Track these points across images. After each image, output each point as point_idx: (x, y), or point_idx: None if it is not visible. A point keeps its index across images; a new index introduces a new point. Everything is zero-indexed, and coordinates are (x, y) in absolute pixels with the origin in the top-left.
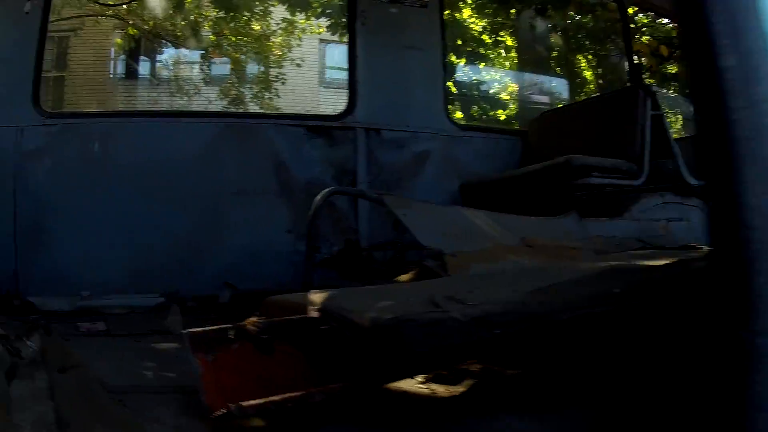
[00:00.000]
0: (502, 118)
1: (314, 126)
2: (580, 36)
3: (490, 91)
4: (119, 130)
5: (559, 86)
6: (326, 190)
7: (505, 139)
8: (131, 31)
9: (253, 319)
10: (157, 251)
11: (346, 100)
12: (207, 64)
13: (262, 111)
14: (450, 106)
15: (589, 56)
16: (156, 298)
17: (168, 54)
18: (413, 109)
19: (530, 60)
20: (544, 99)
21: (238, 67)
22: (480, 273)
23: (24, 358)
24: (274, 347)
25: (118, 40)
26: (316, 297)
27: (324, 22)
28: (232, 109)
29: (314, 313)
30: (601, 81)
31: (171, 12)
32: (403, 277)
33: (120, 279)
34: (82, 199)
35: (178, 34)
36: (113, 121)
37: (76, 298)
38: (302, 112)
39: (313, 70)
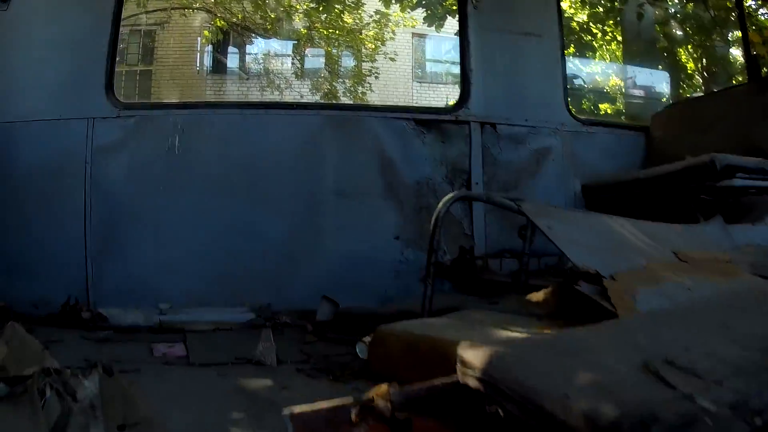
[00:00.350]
0: (609, 111)
1: (424, 120)
2: (687, 26)
3: (598, 84)
4: (203, 122)
5: (661, 79)
6: (451, 195)
7: (628, 134)
8: (219, 23)
9: (383, 388)
10: (246, 259)
11: (459, 91)
12: (299, 57)
13: (367, 104)
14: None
15: (692, 48)
16: (245, 313)
17: (258, 47)
18: (531, 101)
19: (636, 51)
20: (651, 92)
21: (330, 61)
22: (657, 308)
23: (79, 401)
24: (412, 428)
25: (206, 33)
26: (471, 353)
27: (420, 13)
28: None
29: (473, 382)
30: (705, 74)
31: (260, 3)
32: (536, 296)
33: (203, 290)
34: (161, 199)
35: (268, 26)
36: (196, 112)
37: (154, 312)
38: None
39: (406, 64)
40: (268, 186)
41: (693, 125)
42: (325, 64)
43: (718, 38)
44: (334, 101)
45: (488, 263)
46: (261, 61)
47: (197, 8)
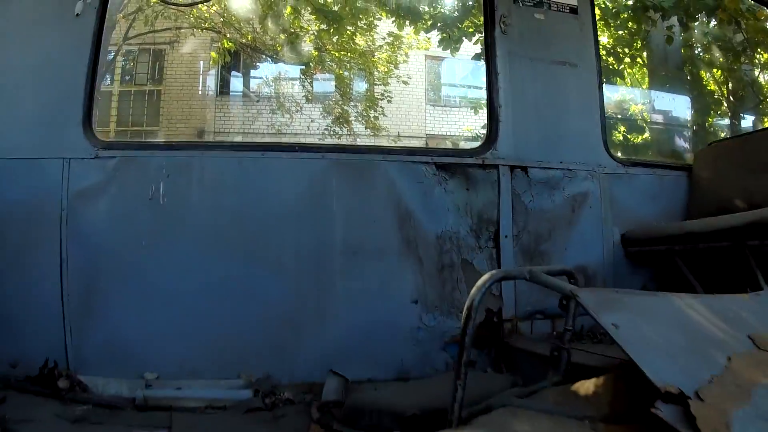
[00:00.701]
0: (637, 141)
1: (446, 163)
2: (714, 49)
3: (626, 113)
4: (194, 165)
5: (685, 104)
6: (490, 274)
7: (670, 175)
8: (226, 44)
9: None
10: (243, 324)
11: (486, 130)
12: (309, 80)
13: (379, 145)
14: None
15: (718, 71)
16: (241, 389)
17: (267, 69)
18: (567, 140)
19: (662, 76)
20: (676, 119)
21: (341, 84)
22: None
23: None
24: None
25: (213, 54)
26: None
27: (435, 35)
28: (336, 130)
29: None
30: (731, 98)
31: (269, 24)
32: (585, 388)
33: (194, 358)
34: (146, 254)
35: (278, 48)
36: (184, 154)
37: (139, 383)
38: (425, 146)
39: (419, 88)
40: (267, 241)
41: (744, 165)
42: (337, 87)
43: (746, 61)
44: (345, 126)
45: (518, 326)
46: (271, 83)
47: (206, 28)
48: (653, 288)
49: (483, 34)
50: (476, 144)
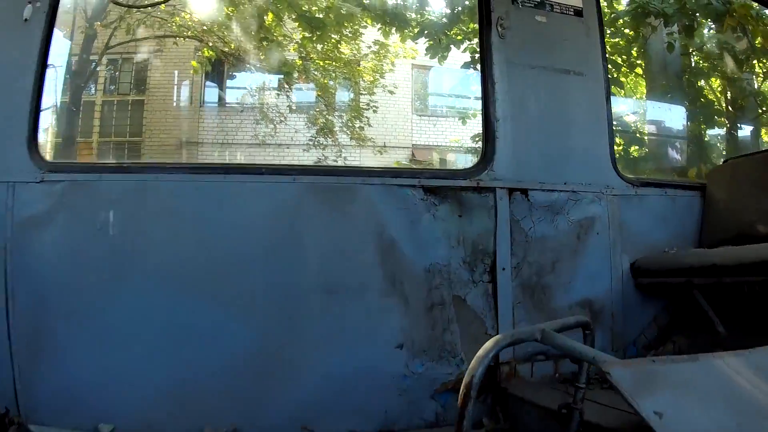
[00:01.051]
0: (635, 154)
1: (436, 187)
2: (717, 56)
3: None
4: (148, 190)
5: (681, 114)
6: (495, 341)
7: (683, 195)
8: (207, 53)
9: None
10: (208, 372)
11: (481, 148)
12: (291, 89)
13: (359, 166)
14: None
15: (716, 81)
16: None
17: (251, 79)
18: (572, 158)
19: (661, 85)
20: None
21: (326, 94)
22: None
23: None
24: None
25: (194, 63)
26: None
27: (423, 42)
28: (321, 140)
29: None
30: (731, 108)
31: (252, 32)
32: None
33: (153, 409)
34: (100, 290)
35: (261, 57)
36: (139, 177)
37: None
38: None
39: (406, 97)
40: (231, 278)
41: (764, 185)
42: (320, 97)
43: (748, 70)
44: (329, 137)
45: (517, 369)
46: (254, 93)
47: (188, 37)
48: (665, 321)
49: (477, 40)
50: (466, 156)
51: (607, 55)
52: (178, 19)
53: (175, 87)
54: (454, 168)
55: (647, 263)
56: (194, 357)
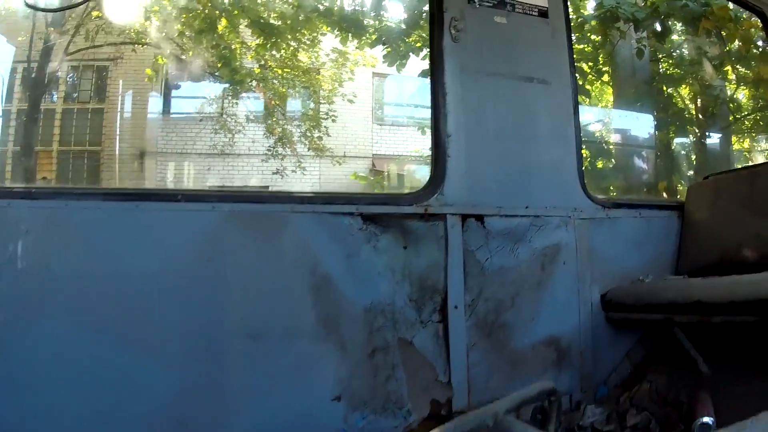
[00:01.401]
0: (599, 166)
1: (377, 215)
2: (687, 62)
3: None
4: (61, 219)
5: (649, 122)
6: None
7: (659, 215)
8: (161, 60)
9: None
10: (122, 423)
11: (430, 169)
12: (249, 98)
13: (287, 191)
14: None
15: (686, 88)
16: None
17: (209, 87)
18: (536, 178)
19: (629, 93)
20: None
21: (284, 103)
22: None
23: None
24: None
25: (149, 71)
26: None
27: (381, 51)
28: (280, 151)
29: None
30: (701, 116)
31: (205, 39)
32: None
33: None
34: (4, 330)
35: (219, 65)
36: (47, 204)
37: None
38: (357, 191)
39: (366, 106)
40: (145, 318)
41: (754, 206)
42: (278, 106)
43: (721, 76)
44: (288, 147)
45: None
46: (212, 102)
47: (146, 44)
48: (640, 356)
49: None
50: (428, 166)
51: (575, 61)
52: (137, 26)
53: (134, 95)
54: (397, 192)
55: (620, 295)
56: (107, 406)
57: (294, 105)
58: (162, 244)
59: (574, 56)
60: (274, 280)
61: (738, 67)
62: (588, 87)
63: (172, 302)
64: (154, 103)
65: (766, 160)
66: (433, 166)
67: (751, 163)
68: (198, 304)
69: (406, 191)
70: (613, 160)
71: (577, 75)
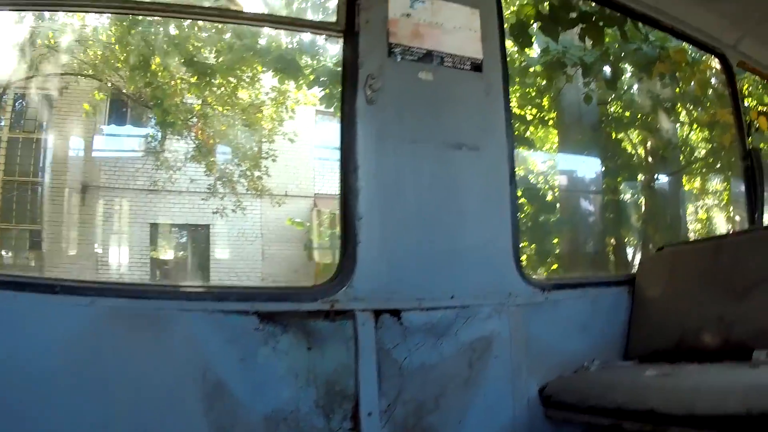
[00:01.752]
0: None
1: (275, 313)
2: (638, 105)
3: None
4: None
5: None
6: None
7: (606, 293)
8: (97, 96)
9: None
10: None
11: (337, 256)
12: (189, 137)
13: (175, 285)
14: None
15: (635, 131)
16: None
17: (148, 123)
18: (463, 262)
19: (575, 138)
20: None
21: (222, 142)
22: None
23: None
24: None
25: (86, 106)
26: None
27: (318, 92)
28: (219, 196)
29: None
30: (651, 159)
31: (139, 75)
32: None
33: None
34: None
35: (154, 102)
36: None
37: None
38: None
39: (307, 145)
40: (18, 427)
41: (718, 283)
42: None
43: (672, 119)
44: (228, 186)
45: None
46: (152, 139)
47: (87, 75)
48: None
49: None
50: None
51: (512, 122)
52: (81, 55)
53: (76, 128)
54: (299, 286)
55: (561, 391)
56: None
57: (234, 143)
58: (37, 340)
59: (518, 102)
60: (161, 387)
61: (691, 109)
62: (532, 130)
63: (48, 410)
64: (93, 139)
65: (727, 231)
66: (341, 254)
67: (712, 235)
68: (74, 413)
69: (311, 284)
70: (558, 214)
71: (519, 123)
